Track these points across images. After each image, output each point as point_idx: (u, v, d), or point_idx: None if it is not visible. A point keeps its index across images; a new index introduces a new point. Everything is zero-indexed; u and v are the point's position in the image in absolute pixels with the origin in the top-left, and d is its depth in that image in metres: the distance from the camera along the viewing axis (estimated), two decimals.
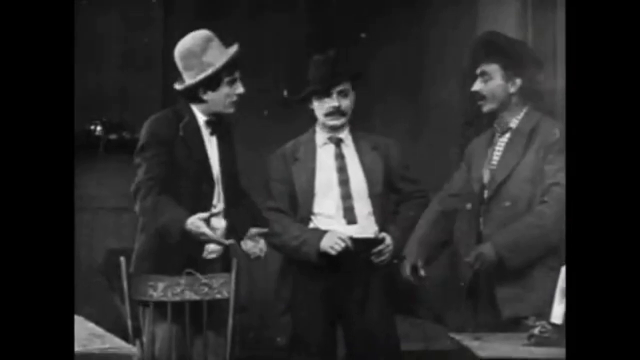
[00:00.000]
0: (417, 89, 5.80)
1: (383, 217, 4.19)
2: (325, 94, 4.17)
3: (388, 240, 4.13)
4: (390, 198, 4.21)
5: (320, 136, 4.26)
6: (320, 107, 4.20)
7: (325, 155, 4.23)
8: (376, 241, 4.13)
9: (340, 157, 4.22)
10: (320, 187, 4.17)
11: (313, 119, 4.27)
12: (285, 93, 5.88)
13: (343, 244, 4.05)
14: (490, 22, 5.31)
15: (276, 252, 4.25)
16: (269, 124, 5.66)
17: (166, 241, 3.80)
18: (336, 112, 4.18)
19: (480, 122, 4.32)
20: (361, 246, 4.10)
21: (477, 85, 4.04)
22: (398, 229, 4.17)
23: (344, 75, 4.20)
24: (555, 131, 3.94)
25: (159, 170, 3.85)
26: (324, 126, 4.23)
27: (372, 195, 4.18)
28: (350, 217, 4.15)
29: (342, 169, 4.20)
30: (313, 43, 5.42)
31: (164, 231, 3.80)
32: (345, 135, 4.25)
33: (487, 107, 4.05)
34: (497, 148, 4.01)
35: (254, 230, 3.99)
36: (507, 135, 4.01)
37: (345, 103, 4.20)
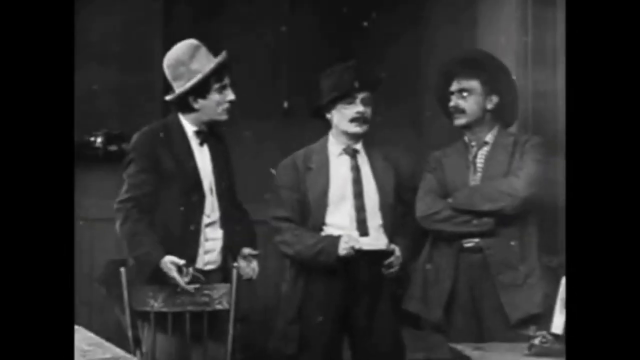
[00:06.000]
0: (416, 98, 5.80)
1: (392, 229, 4.16)
2: (349, 100, 4.12)
3: (397, 252, 4.11)
4: (398, 209, 4.19)
5: (335, 146, 4.21)
6: (344, 114, 4.14)
7: (339, 166, 4.18)
8: (386, 253, 4.10)
9: (355, 169, 4.18)
10: (334, 198, 4.14)
11: (326, 129, 4.23)
12: (285, 104, 5.86)
13: (350, 246, 4.02)
14: (490, 22, 5.31)
15: (276, 260, 4.25)
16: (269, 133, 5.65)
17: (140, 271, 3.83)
18: (361, 118, 4.14)
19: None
20: (373, 258, 4.07)
21: (456, 101, 4.16)
22: (405, 240, 4.16)
23: (369, 81, 4.18)
24: (536, 138, 4.16)
25: (140, 191, 3.86)
26: (344, 134, 4.18)
27: (383, 207, 4.15)
28: (362, 229, 4.12)
29: (357, 181, 4.16)
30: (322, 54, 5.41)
31: (138, 263, 3.83)
32: (359, 146, 4.21)
33: (462, 121, 4.18)
34: (478, 161, 4.14)
35: (246, 251, 3.98)
36: (486, 148, 4.15)
37: (368, 111, 4.16)
